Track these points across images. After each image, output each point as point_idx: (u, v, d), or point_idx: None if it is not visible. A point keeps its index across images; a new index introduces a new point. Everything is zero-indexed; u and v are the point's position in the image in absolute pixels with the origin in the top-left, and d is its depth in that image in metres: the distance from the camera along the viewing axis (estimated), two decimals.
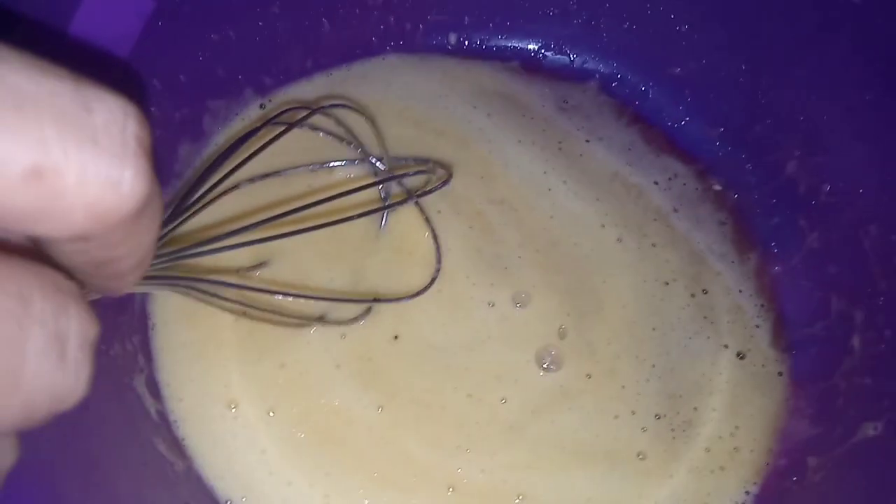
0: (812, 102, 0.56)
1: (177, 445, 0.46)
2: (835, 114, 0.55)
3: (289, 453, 0.46)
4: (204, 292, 0.44)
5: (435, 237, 0.53)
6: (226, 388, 0.48)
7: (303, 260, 0.52)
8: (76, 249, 0.20)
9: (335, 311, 0.51)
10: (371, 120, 0.58)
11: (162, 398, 0.47)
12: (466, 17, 0.66)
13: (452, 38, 0.66)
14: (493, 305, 0.53)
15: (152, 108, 0.50)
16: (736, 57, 0.60)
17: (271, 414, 0.48)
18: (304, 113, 0.50)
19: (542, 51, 0.67)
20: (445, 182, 0.52)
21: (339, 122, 0.57)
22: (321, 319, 0.50)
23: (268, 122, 0.49)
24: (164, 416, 0.46)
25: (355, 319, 0.50)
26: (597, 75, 0.66)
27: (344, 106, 0.56)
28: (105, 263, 0.22)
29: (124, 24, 0.46)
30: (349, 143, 0.56)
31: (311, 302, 0.50)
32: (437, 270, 0.51)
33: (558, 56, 0.67)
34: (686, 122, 0.64)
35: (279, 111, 0.54)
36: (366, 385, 0.49)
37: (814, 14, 0.54)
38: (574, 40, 0.66)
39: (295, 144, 0.54)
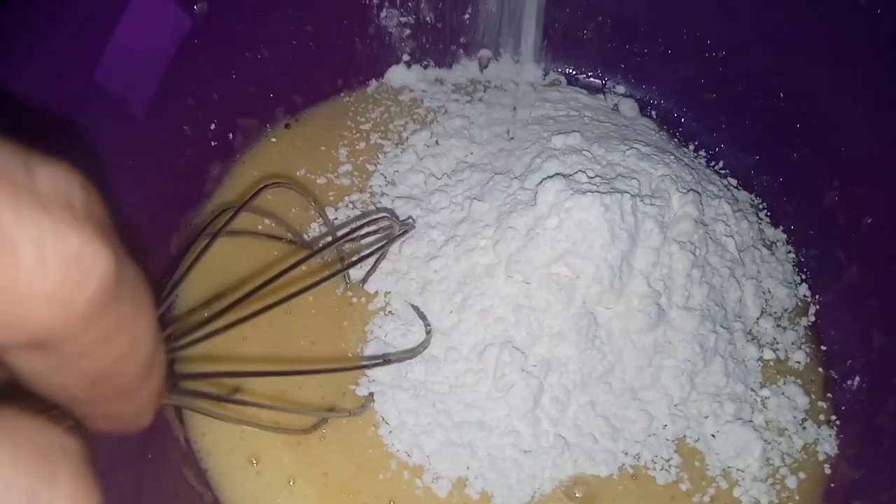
0: (853, 133, 0.55)
1: (203, 477, 0.44)
2: (877, 145, 0.54)
3: None
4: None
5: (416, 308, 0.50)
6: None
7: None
8: (50, 365, 0.15)
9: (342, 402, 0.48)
10: (310, 196, 0.54)
11: (187, 426, 0.46)
12: (499, 39, 0.65)
13: (484, 58, 0.66)
14: None
15: (185, 127, 0.50)
16: (774, 84, 0.59)
17: (292, 483, 0.46)
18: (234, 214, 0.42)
19: (576, 74, 0.66)
20: (403, 233, 0.49)
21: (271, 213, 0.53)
22: (331, 410, 0.48)
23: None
24: (190, 445, 0.45)
25: (362, 408, 0.47)
26: (630, 99, 0.65)
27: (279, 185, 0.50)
28: (99, 380, 0.17)
29: (161, 40, 0.45)
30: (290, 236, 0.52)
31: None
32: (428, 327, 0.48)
33: (592, 79, 0.66)
34: (720, 149, 0.63)
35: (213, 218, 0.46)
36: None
37: (856, 45, 0.53)
38: (608, 64, 0.65)
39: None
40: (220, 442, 0.46)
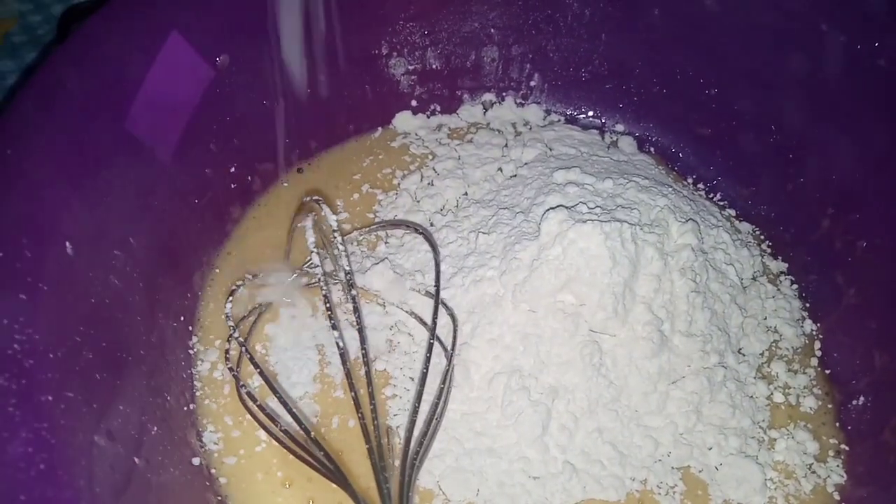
0: (842, 161, 0.57)
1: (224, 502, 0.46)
2: (866, 171, 0.56)
3: None
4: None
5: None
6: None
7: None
8: None
9: None
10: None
11: (209, 451, 0.48)
12: (500, 83, 0.68)
13: (487, 101, 0.69)
14: None
15: (207, 170, 0.53)
16: (765, 118, 0.62)
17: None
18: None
19: (576, 114, 0.69)
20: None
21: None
22: None
23: None
24: (211, 472, 0.47)
25: None
26: (629, 136, 0.68)
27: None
28: None
29: (186, 90, 0.49)
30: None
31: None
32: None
33: (592, 119, 0.69)
34: (718, 181, 0.66)
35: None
36: None
37: (842, 77, 0.56)
38: (606, 103, 0.68)
39: None
40: (238, 468, 0.47)
